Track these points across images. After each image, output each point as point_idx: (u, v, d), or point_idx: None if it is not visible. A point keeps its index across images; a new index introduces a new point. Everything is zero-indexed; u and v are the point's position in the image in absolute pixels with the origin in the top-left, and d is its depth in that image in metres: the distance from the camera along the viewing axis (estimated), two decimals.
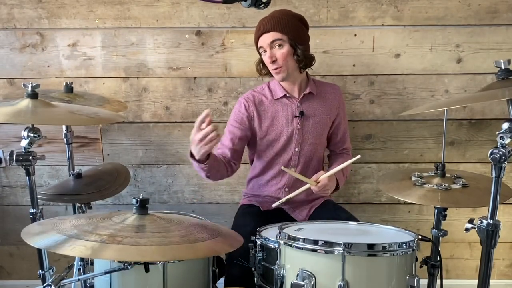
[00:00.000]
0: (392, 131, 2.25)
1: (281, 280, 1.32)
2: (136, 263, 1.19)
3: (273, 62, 1.74)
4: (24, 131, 1.46)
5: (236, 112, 1.87)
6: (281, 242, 1.33)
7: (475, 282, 1.33)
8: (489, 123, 2.22)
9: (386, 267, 1.26)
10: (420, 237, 1.37)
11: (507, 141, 1.21)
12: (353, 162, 1.70)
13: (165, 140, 2.26)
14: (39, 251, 1.60)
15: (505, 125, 1.21)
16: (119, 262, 1.20)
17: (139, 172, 2.29)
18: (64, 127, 1.98)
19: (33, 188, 1.56)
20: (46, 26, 2.16)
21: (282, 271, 1.32)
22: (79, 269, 1.85)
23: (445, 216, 1.64)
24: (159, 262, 1.25)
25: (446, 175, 1.67)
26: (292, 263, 1.30)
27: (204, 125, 1.51)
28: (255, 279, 1.52)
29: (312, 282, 1.23)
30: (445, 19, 2.14)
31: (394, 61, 2.18)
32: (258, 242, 1.44)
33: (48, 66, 2.19)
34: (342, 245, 1.21)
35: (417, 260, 1.35)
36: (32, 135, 1.45)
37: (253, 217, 1.82)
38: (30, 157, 1.47)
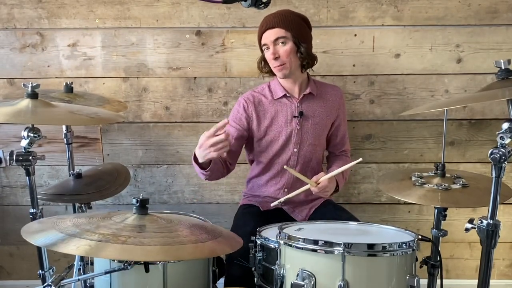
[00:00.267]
0: (392, 131, 2.25)
1: (281, 280, 1.32)
2: (136, 263, 1.19)
3: (276, 58, 1.74)
4: (24, 131, 1.46)
5: (235, 112, 1.87)
6: (281, 242, 1.33)
7: (475, 282, 1.33)
8: (489, 123, 2.22)
9: (386, 267, 1.26)
10: (420, 237, 1.37)
11: (507, 141, 1.21)
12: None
13: (165, 140, 2.26)
14: (39, 251, 1.60)
15: (505, 125, 1.21)
16: (119, 262, 1.21)
17: (139, 172, 2.29)
18: (64, 127, 1.98)
19: (33, 188, 1.56)
20: (46, 26, 2.16)
21: (282, 271, 1.32)
22: (79, 269, 1.85)
23: (445, 216, 1.65)
24: (159, 262, 1.25)
25: (446, 175, 1.67)
26: (292, 263, 1.30)
27: (219, 132, 1.51)
28: (255, 279, 1.52)
29: (312, 282, 1.23)
30: (445, 19, 2.15)
31: (394, 61, 2.19)
32: (258, 242, 1.44)
33: (48, 66, 2.19)
34: (342, 245, 1.21)
35: (417, 260, 1.35)
36: (32, 135, 1.45)
37: (253, 217, 1.82)
38: (30, 157, 1.47)
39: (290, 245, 1.30)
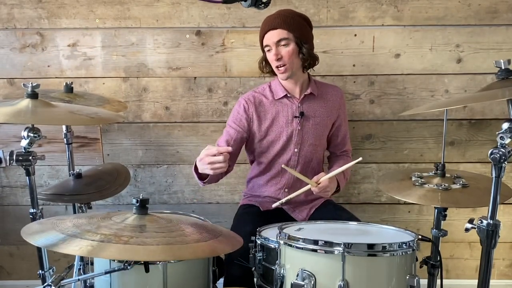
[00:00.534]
0: (392, 131, 2.25)
1: (281, 280, 1.32)
2: (136, 263, 1.19)
3: (278, 59, 1.74)
4: (24, 131, 1.46)
5: (235, 113, 1.86)
6: (281, 242, 1.33)
7: (475, 282, 1.33)
8: (489, 123, 2.22)
9: (386, 267, 1.26)
10: (420, 237, 1.37)
11: (507, 141, 1.21)
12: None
13: (165, 140, 2.26)
14: (39, 251, 1.60)
15: (505, 125, 1.21)
16: (119, 262, 1.21)
17: (139, 172, 2.29)
18: (64, 127, 1.98)
19: (33, 188, 1.56)
20: (46, 26, 2.16)
21: (282, 271, 1.32)
22: (79, 269, 1.85)
23: (445, 216, 1.64)
24: (159, 262, 1.25)
25: (446, 175, 1.67)
26: (292, 263, 1.30)
27: (221, 154, 1.52)
28: (255, 279, 1.52)
29: (312, 282, 1.23)
30: (445, 19, 2.15)
31: (394, 61, 2.19)
32: (258, 242, 1.44)
33: (48, 66, 2.19)
34: (342, 245, 1.21)
35: (417, 260, 1.35)
36: (32, 135, 1.45)
37: (253, 217, 1.82)
38: (30, 157, 1.48)
39: (290, 245, 1.30)
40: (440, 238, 1.67)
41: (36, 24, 2.16)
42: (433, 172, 1.69)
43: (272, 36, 1.73)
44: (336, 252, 1.22)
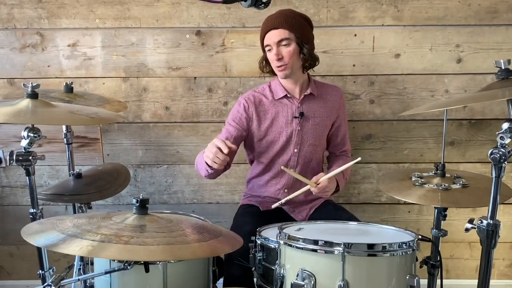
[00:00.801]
0: (392, 131, 2.25)
1: (281, 280, 1.32)
2: (136, 263, 1.19)
3: (279, 59, 1.74)
4: (24, 131, 1.46)
5: (235, 112, 1.86)
6: (281, 242, 1.33)
7: (475, 282, 1.33)
8: (489, 123, 2.22)
9: (386, 267, 1.26)
10: (420, 237, 1.37)
11: (507, 141, 1.21)
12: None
13: (165, 140, 2.26)
14: (39, 251, 1.60)
15: (505, 125, 1.21)
16: (119, 262, 1.21)
17: (139, 172, 2.29)
18: (64, 127, 1.98)
19: (33, 188, 1.56)
20: (46, 26, 2.16)
21: (282, 271, 1.32)
22: (79, 269, 1.85)
23: (445, 216, 1.65)
24: (159, 262, 1.25)
25: (446, 175, 1.67)
26: (292, 263, 1.30)
27: (225, 151, 1.54)
28: (255, 279, 1.52)
29: (312, 282, 1.23)
30: (445, 19, 2.15)
31: (394, 61, 2.19)
32: (258, 242, 1.44)
33: (48, 66, 2.19)
34: (342, 245, 1.21)
35: (417, 260, 1.35)
36: (32, 135, 1.45)
37: (253, 217, 1.82)
38: (30, 157, 1.48)
39: (290, 245, 1.30)
40: (440, 238, 1.67)
41: (36, 24, 2.16)
42: (433, 172, 1.69)
43: (273, 36, 1.73)
44: (336, 252, 1.22)
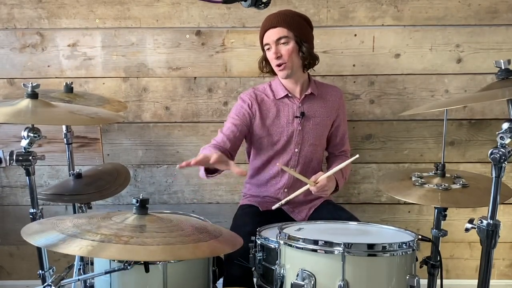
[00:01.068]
0: (392, 131, 2.25)
1: (281, 280, 1.32)
2: (136, 263, 1.19)
3: (278, 58, 1.74)
4: (24, 131, 1.46)
5: (238, 107, 1.85)
6: (281, 242, 1.33)
7: (475, 282, 1.33)
8: (489, 123, 2.22)
9: (386, 267, 1.26)
10: (420, 237, 1.37)
11: (507, 141, 1.21)
12: (352, 162, 1.70)
13: (165, 140, 2.26)
14: (39, 251, 1.60)
15: (505, 125, 1.21)
16: (119, 262, 1.20)
17: (139, 172, 2.29)
18: (64, 127, 1.98)
19: (33, 188, 1.56)
20: (46, 26, 2.16)
21: (282, 271, 1.32)
22: (79, 269, 1.85)
23: (445, 216, 1.65)
24: (159, 262, 1.25)
25: (446, 175, 1.67)
26: (292, 263, 1.30)
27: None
28: (255, 279, 1.52)
29: (312, 282, 1.23)
30: (445, 19, 2.14)
31: (394, 61, 2.18)
32: (258, 242, 1.44)
33: (48, 66, 2.19)
34: (342, 245, 1.21)
35: (417, 260, 1.35)
36: (32, 135, 1.45)
37: (253, 217, 1.82)
38: (30, 157, 1.48)
39: (290, 245, 1.30)
40: (440, 238, 1.67)
41: (36, 24, 2.16)
42: (433, 172, 1.69)
43: (272, 35, 1.73)
44: (336, 252, 1.22)
